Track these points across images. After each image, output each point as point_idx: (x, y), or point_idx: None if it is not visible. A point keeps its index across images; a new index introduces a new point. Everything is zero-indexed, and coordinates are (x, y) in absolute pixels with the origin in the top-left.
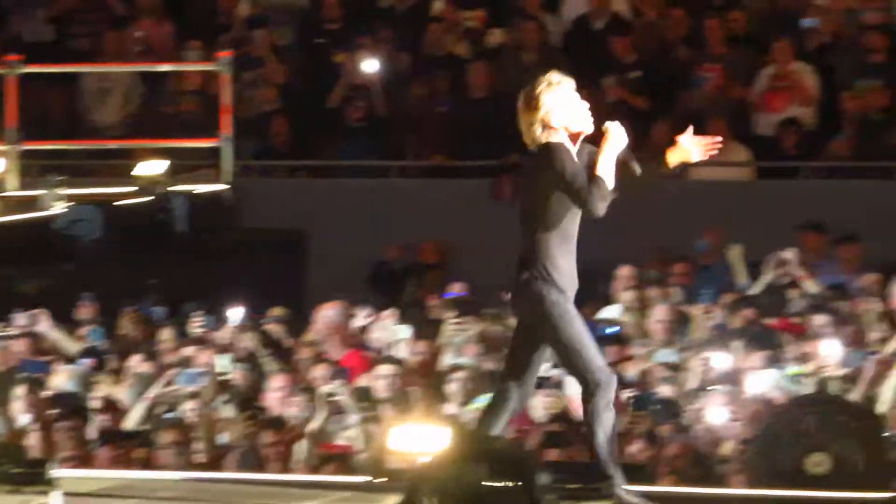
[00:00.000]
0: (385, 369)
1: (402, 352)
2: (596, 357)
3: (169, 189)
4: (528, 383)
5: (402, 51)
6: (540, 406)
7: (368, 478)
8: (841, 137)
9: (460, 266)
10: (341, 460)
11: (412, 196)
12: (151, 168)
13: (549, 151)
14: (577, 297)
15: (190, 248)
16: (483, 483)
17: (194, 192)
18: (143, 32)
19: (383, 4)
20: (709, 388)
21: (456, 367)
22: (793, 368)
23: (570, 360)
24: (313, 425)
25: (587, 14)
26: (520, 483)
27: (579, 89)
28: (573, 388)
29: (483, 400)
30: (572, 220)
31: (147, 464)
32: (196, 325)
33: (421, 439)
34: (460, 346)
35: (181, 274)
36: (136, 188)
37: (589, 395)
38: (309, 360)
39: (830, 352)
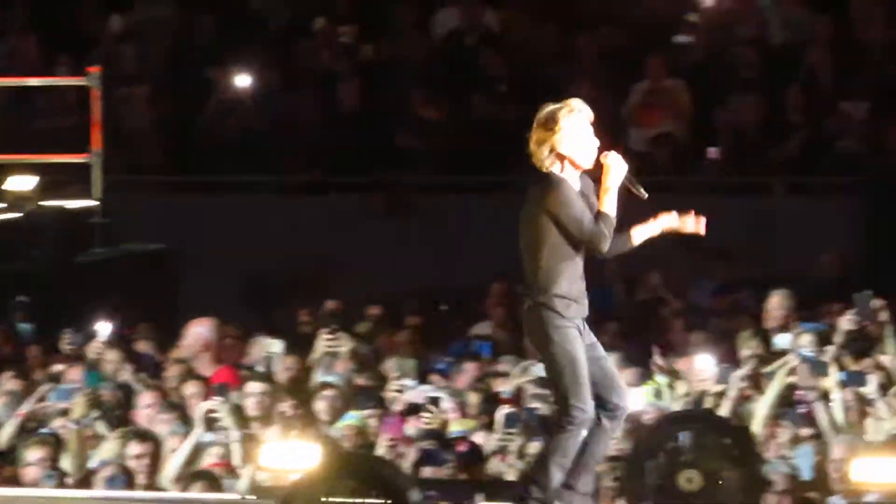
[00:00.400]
0: (255, 386)
1: (274, 368)
2: (581, 390)
3: (38, 205)
4: (605, 396)
5: (276, 66)
6: (414, 423)
7: (239, 495)
8: (714, 152)
9: (334, 282)
10: (212, 478)
11: (286, 212)
12: (20, 184)
13: (552, 186)
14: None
15: (59, 264)
16: (354, 500)
17: (64, 208)
18: (9, 46)
19: (257, 19)
20: None
21: (326, 385)
22: (657, 381)
23: (558, 387)
24: (187, 442)
25: (459, 29)
26: (390, 500)
27: (449, 105)
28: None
29: (352, 417)
30: (576, 247)
31: (16, 481)
32: (66, 341)
33: (292, 456)
34: (331, 362)
35: (50, 290)
36: (4, 204)
37: (559, 424)
38: (178, 376)
39: (704, 368)
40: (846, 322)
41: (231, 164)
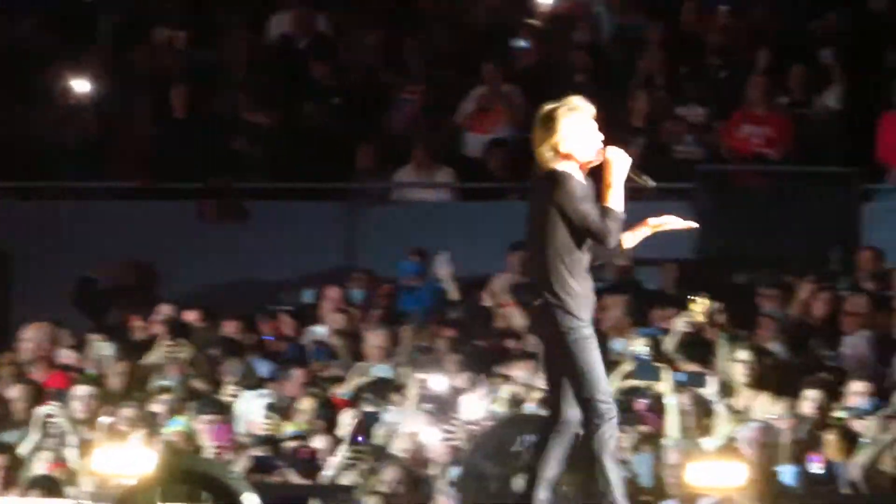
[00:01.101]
0: (83, 389)
1: (106, 372)
2: (603, 385)
3: None
4: (571, 401)
5: (109, 71)
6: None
7: (74, 500)
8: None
9: (166, 287)
10: (51, 483)
11: (118, 217)
12: None
13: (558, 181)
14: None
15: None
16: None
17: None
18: None
19: (90, 24)
20: (423, 408)
21: (162, 389)
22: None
23: (579, 386)
24: (24, 447)
25: (290, 33)
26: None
27: (280, 111)
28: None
29: (179, 423)
30: (583, 245)
31: None
32: None
33: (126, 461)
34: (166, 367)
35: None
36: None
37: (589, 422)
38: (10, 380)
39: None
40: (681, 324)
41: (66, 169)
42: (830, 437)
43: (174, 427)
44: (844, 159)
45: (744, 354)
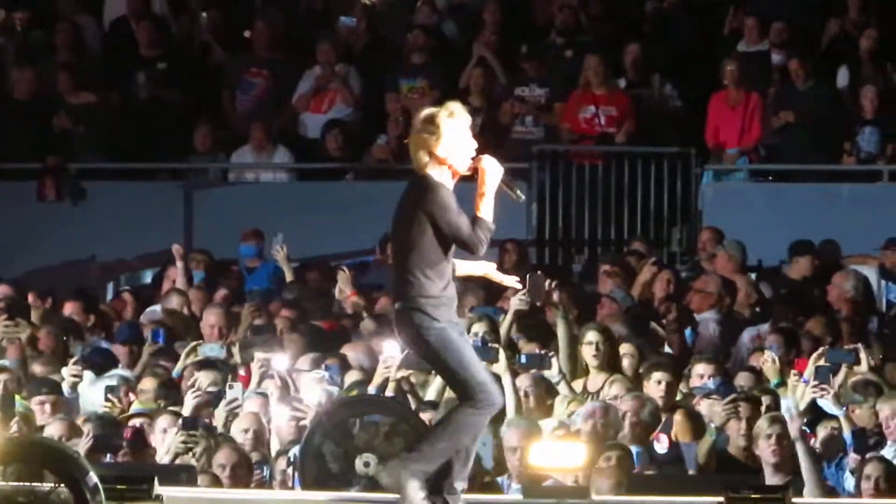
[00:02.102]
0: None
1: None
2: (479, 375)
3: None
4: None
5: None
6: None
7: None
8: (384, 139)
9: (5, 267)
10: None
11: None
12: None
13: (431, 189)
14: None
15: None
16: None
17: None
18: None
19: None
20: (263, 388)
21: (2, 369)
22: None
23: (454, 382)
24: None
25: (125, 15)
26: (64, 484)
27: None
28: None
29: (18, 404)
30: (449, 252)
31: None
32: None
33: None
34: (4, 347)
35: None
36: None
37: (467, 407)
38: None
39: (391, 352)
40: (516, 303)
41: None
42: (677, 418)
43: (18, 407)
44: (681, 140)
45: (588, 335)
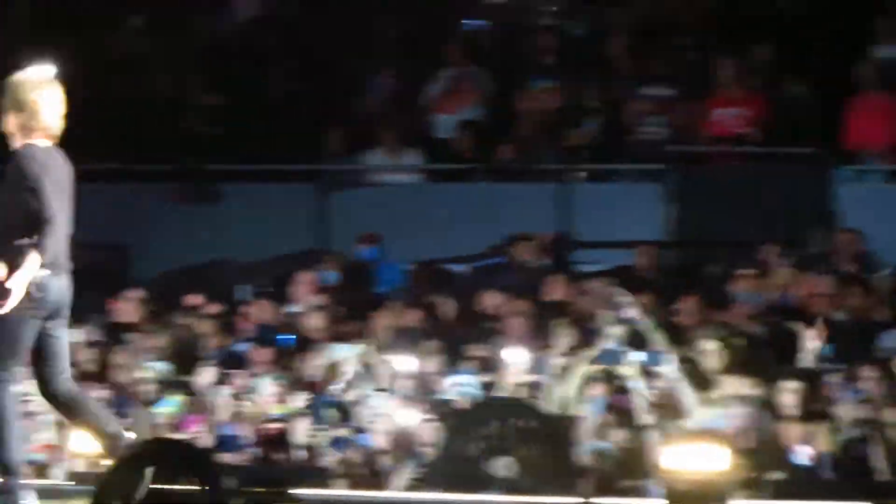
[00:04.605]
0: None
1: (79, 356)
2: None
3: None
4: None
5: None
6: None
7: (58, 481)
8: (514, 139)
9: (139, 270)
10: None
11: (89, 200)
12: None
13: (23, 159)
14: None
15: None
16: (168, 486)
17: None
18: None
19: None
20: (391, 389)
21: (147, 372)
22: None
23: None
24: None
25: (257, 17)
26: (204, 486)
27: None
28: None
29: (171, 403)
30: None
31: None
32: None
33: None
34: (145, 350)
35: None
36: None
37: None
38: None
39: (516, 358)
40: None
41: None
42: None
43: (165, 407)
44: (816, 141)
45: (720, 338)
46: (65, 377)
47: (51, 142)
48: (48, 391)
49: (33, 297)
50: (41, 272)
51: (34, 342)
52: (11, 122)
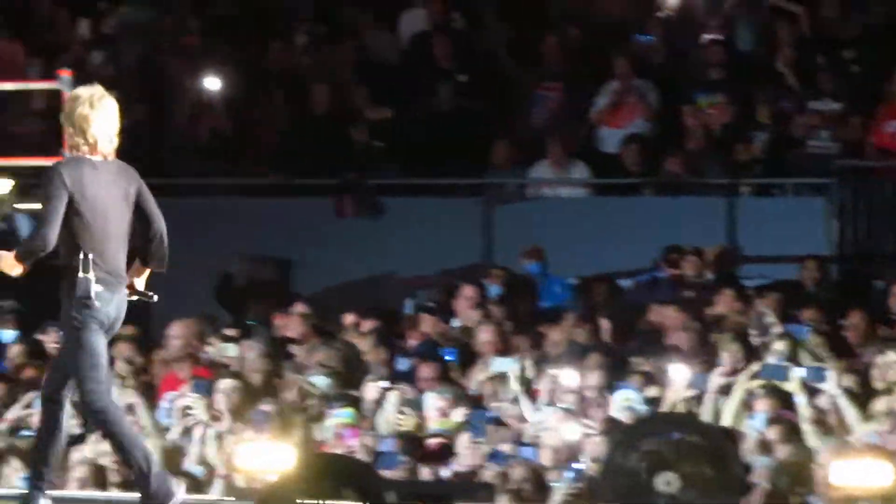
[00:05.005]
0: (228, 385)
1: (246, 368)
2: None
3: (13, 208)
4: None
5: (244, 67)
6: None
7: (219, 496)
8: (680, 153)
9: (304, 283)
10: (191, 478)
11: (256, 213)
12: None
13: (43, 176)
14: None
15: (34, 267)
16: (330, 501)
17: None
18: None
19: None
20: (556, 404)
21: (308, 386)
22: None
23: None
24: (167, 440)
25: (425, 30)
26: (367, 501)
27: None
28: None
29: (334, 418)
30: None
31: None
32: (52, 342)
33: (268, 457)
34: (309, 366)
35: (26, 294)
36: None
37: None
38: (162, 377)
39: (678, 374)
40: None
41: (200, 166)
42: None
43: (328, 422)
44: None
45: (889, 354)
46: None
47: (101, 157)
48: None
49: (93, 310)
50: (96, 286)
51: None
52: (65, 136)
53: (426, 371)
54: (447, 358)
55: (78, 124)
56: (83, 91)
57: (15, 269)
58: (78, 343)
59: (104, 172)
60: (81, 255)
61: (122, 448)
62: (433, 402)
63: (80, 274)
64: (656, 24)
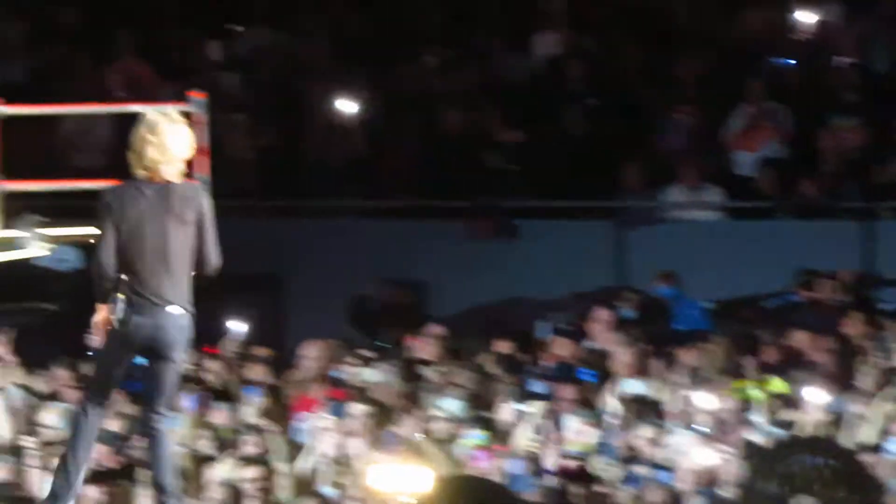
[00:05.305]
0: (362, 408)
1: (380, 391)
2: None
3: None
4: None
5: (377, 90)
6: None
7: None
8: (816, 177)
9: (438, 305)
10: (324, 499)
11: (390, 236)
12: None
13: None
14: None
15: None
16: None
17: None
18: (121, 73)
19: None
20: (691, 427)
21: (439, 409)
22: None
23: None
24: (300, 464)
25: (556, 53)
26: None
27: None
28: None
29: (470, 440)
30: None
31: None
32: None
33: (401, 479)
34: (443, 388)
35: None
36: None
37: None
38: (295, 398)
39: (815, 397)
40: None
41: (333, 188)
42: None
43: (472, 440)
44: None
45: None
46: (154, 415)
47: (160, 180)
48: (139, 424)
49: (117, 332)
50: (125, 308)
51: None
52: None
53: (566, 392)
54: (587, 379)
55: (136, 147)
56: (151, 114)
57: (105, 311)
58: (98, 351)
59: (156, 196)
60: (117, 277)
61: (63, 456)
62: (572, 423)
63: (117, 295)
64: (791, 46)
